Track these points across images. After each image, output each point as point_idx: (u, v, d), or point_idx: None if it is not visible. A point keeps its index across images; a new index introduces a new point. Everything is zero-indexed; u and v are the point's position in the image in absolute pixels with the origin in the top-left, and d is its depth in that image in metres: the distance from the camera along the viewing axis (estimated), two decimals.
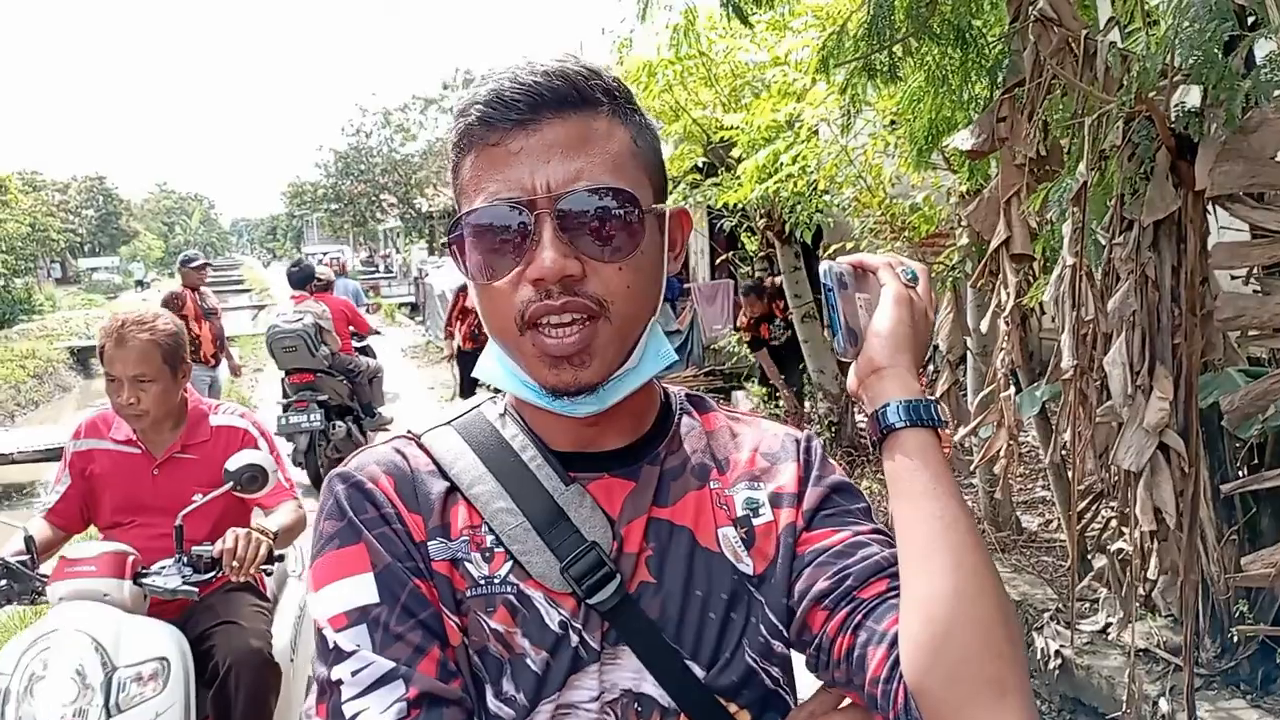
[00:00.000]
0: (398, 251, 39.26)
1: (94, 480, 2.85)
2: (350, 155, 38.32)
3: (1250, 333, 3.09)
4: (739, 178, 6.34)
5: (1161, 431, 2.92)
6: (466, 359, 8.35)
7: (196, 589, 2.53)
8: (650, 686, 0.92)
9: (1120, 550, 3.52)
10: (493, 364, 0.98)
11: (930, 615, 0.84)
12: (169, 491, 2.77)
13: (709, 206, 8.13)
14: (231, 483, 2.60)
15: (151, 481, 2.82)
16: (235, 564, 2.51)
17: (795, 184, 6.00)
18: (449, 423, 1.03)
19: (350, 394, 8.05)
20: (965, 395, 5.21)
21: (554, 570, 0.92)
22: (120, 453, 2.84)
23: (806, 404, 8.45)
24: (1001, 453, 3.90)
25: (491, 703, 0.91)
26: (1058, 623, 4.08)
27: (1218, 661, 3.49)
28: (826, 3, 6.15)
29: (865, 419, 0.98)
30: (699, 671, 0.93)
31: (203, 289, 8.12)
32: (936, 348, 4.71)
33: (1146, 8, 3.07)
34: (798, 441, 1.06)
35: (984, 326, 4.30)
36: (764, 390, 8.55)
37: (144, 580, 2.53)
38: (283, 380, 7.91)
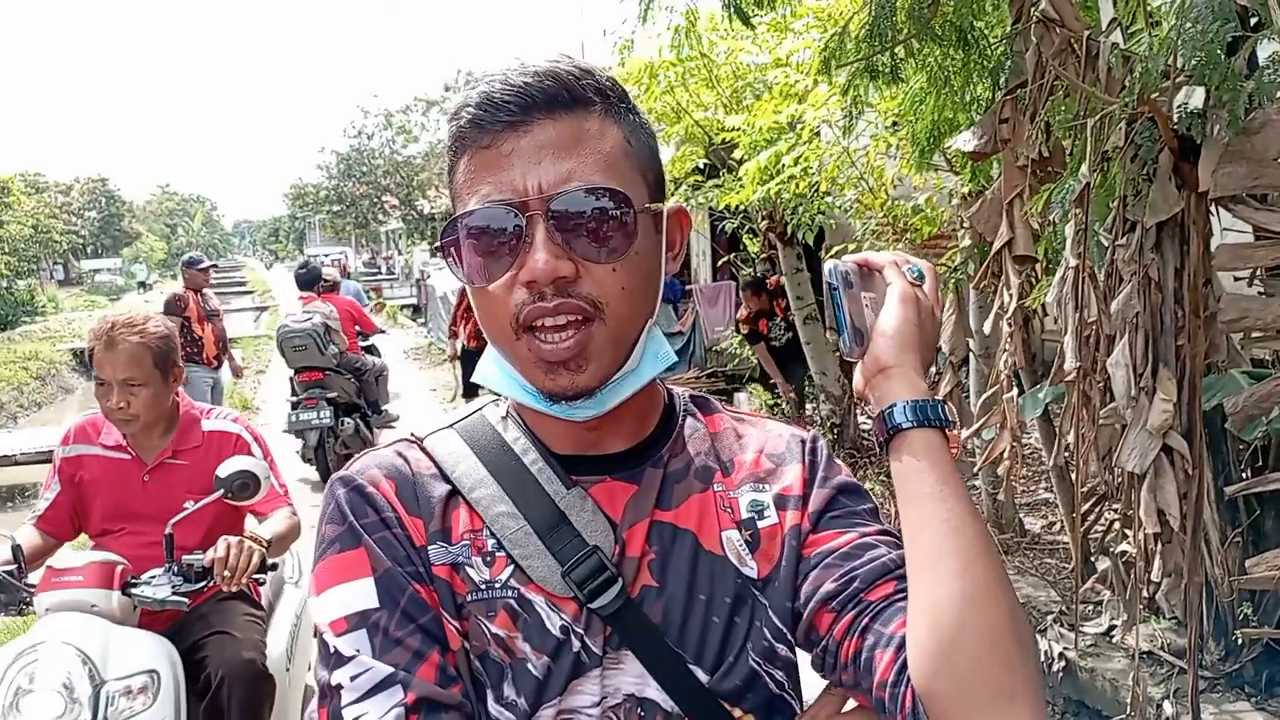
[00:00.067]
0: (400, 253, 39.29)
1: (83, 487, 2.79)
2: (352, 157, 38.39)
3: (1253, 334, 3.07)
4: (741, 179, 6.34)
5: (1165, 433, 2.91)
6: (470, 359, 8.39)
7: (186, 599, 2.48)
8: (653, 691, 0.92)
9: (1124, 552, 3.51)
10: (491, 368, 0.98)
11: (938, 620, 0.83)
12: (159, 498, 2.71)
13: (711, 208, 8.12)
14: (222, 490, 2.54)
15: (142, 488, 2.76)
16: (227, 573, 2.45)
17: (797, 185, 5.99)
18: (451, 425, 1.03)
19: (357, 392, 8.19)
20: (968, 397, 5.21)
21: (555, 574, 0.92)
22: (110, 458, 2.78)
23: (809, 406, 8.45)
24: (1004, 454, 3.89)
25: (492, 707, 0.90)
26: (1061, 625, 4.07)
27: (1222, 664, 3.48)
28: (828, 4, 6.15)
29: (870, 420, 0.97)
30: (702, 676, 0.92)
31: (205, 290, 8.11)
32: (939, 349, 4.70)
33: (1149, 9, 3.06)
34: (803, 442, 1.05)
35: (986, 328, 4.29)
36: (768, 394, 8.53)
37: (133, 590, 2.47)
38: (291, 379, 8.04)
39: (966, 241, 4.59)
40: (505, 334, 0.90)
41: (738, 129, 6.42)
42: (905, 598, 0.88)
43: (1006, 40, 3.46)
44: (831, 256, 1.04)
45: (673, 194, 7.70)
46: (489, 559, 0.93)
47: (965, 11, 3.51)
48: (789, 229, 6.99)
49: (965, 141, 3.44)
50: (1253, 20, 2.78)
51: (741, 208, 7.26)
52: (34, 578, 2.56)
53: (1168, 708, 3.40)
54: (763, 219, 7.82)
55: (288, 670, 2.88)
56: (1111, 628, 3.92)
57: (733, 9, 3.58)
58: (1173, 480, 2.94)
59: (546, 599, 0.92)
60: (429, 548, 0.93)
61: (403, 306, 26.13)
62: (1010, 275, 3.50)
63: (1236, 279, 3.26)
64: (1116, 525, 3.66)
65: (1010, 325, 3.72)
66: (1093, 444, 3.24)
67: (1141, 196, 2.91)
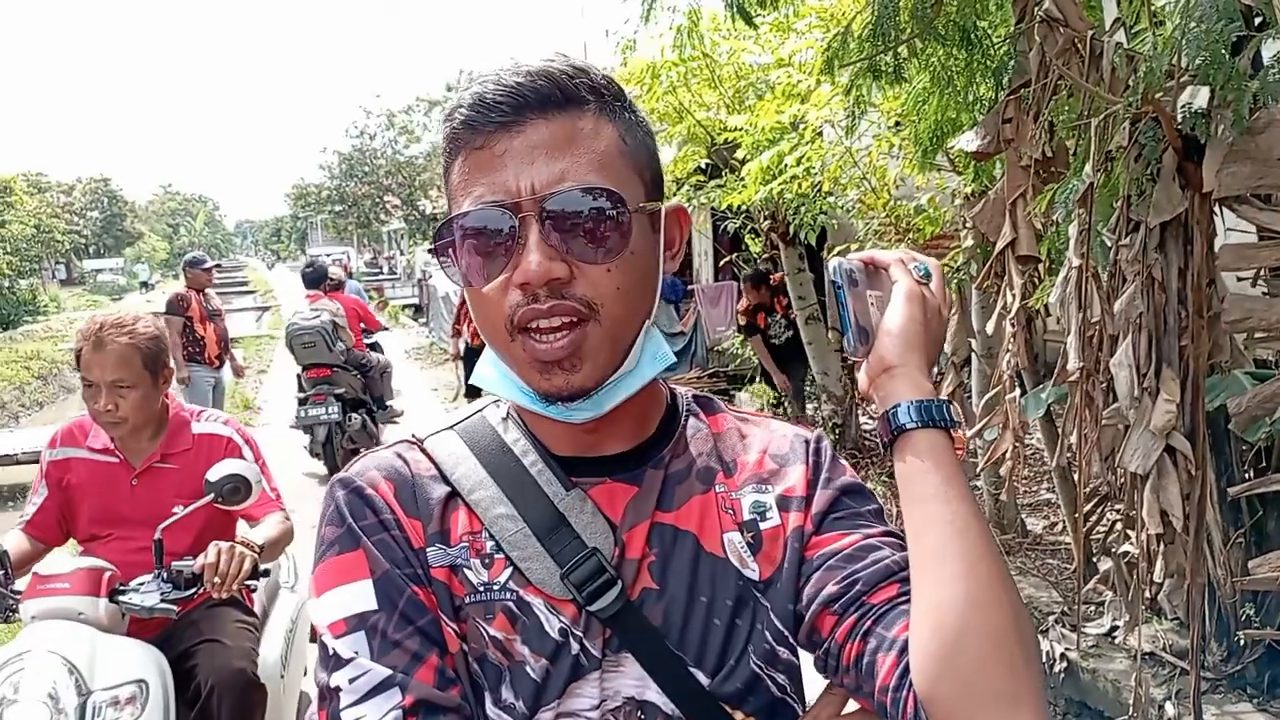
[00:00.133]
0: (401, 253, 39.30)
1: (71, 491, 2.72)
2: (354, 157, 38.41)
3: (1257, 335, 3.07)
4: (743, 179, 6.34)
5: (1168, 434, 2.90)
6: (473, 358, 8.41)
7: (175, 607, 2.41)
8: (654, 694, 0.91)
9: (1126, 553, 3.51)
10: (489, 369, 0.97)
11: (940, 623, 0.82)
12: (148, 503, 2.65)
13: (713, 208, 8.12)
14: (213, 494, 2.48)
15: (130, 492, 2.70)
16: (217, 580, 2.38)
17: (800, 185, 5.99)
18: (452, 426, 1.02)
19: (363, 388, 8.34)
20: (970, 397, 5.20)
21: (554, 577, 0.91)
22: (97, 462, 2.72)
23: (810, 406, 8.44)
24: (1007, 455, 3.88)
25: (491, 710, 0.90)
26: (1063, 626, 4.07)
27: (1224, 665, 3.48)
28: (830, 3, 6.15)
29: (873, 420, 0.96)
30: (703, 679, 0.92)
31: (207, 290, 8.11)
32: (941, 349, 4.69)
33: (1152, 8, 3.06)
34: (807, 442, 1.04)
35: (989, 328, 4.29)
36: (771, 395, 8.52)
37: (120, 598, 2.41)
38: (299, 375, 8.18)
39: (969, 241, 4.59)
40: (500, 335, 0.90)
41: (740, 129, 6.42)
42: (908, 600, 0.87)
43: (1010, 40, 3.45)
44: (836, 255, 1.02)
45: (675, 194, 7.71)
46: (488, 561, 0.93)
47: (968, 11, 3.51)
48: (791, 229, 6.98)
49: (968, 141, 3.44)
50: (1257, 20, 2.77)
51: (744, 208, 7.26)
52: (21, 584, 2.50)
53: (1170, 709, 3.40)
54: (765, 219, 7.82)
55: (282, 677, 2.81)
56: (1114, 628, 3.91)
57: (735, 8, 3.58)
58: (1175, 481, 2.94)
59: (545, 601, 0.92)
60: (427, 549, 0.93)
61: (404, 306, 26.14)
62: (1013, 275, 3.49)
63: (1240, 279, 3.26)
64: (1118, 526, 3.65)
65: (1013, 325, 3.72)
66: (1095, 444, 3.23)
67: (1145, 196, 2.91)
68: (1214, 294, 2.98)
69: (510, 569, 0.92)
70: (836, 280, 0.96)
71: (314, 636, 0.92)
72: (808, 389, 8.44)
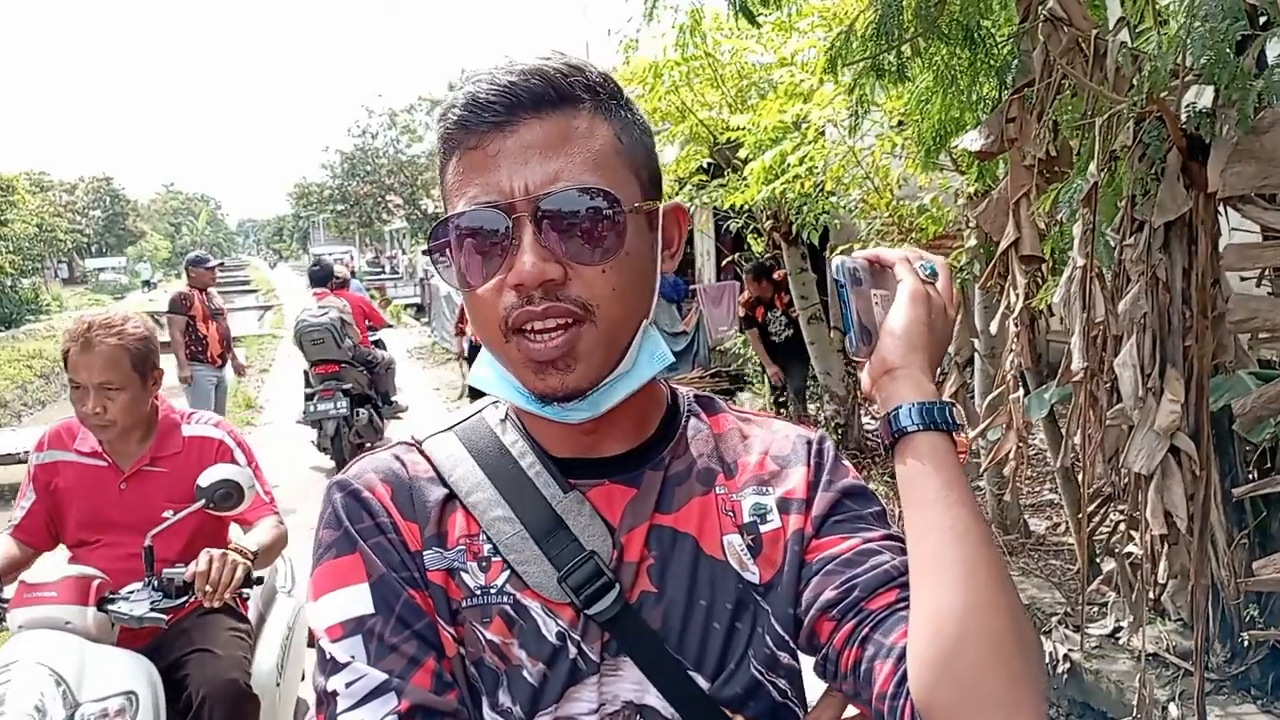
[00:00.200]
0: (404, 253, 39.29)
1: (59, 495, 2.66)
2: (356, 156, 38.38)
3: (1261, 335, 3.07)
4: (745, 179, 6.33)
5: (1172, 434, 2.89)
6: (478, 356, 8.45)
7: (165, 616, 2.35)
8: (653, 698, 0.90)
9: (1130, 554, 3.50)
10: (486, 370, 0.96)
11: (938, 631, 0.81)
12: (137, 507, 2.59)
13: (715, 208, 8.11)
14: (204, 499, 2.43)
15: (118, 496, 2.63)
16: (209, 588, 2.33)
17: (802, 185, 5.98)
18: (451, 428, 1.02)
19: (369, 383, 8.52)
20: (973, 397, 5.20)
21: (551, 580, 0.91)
22: (85, 465, 2.65)
23: (813, 406, 8.43)
24: (1010, 455, 3.88)
25: (488, 714, 0.90)
26: (1066, 627, 4.06)
27: (1228, 666, 3.47)
28: (833, 3, 6.14)
29: (876, 420, 0.95)
30: (703, 683, 0.91)
31: (210, 289, 8.12)
32: None
33: (1157, 7, 3.05)
34: (809, 443, 1.02)
35: (992, 328, 4.28)
36: (773, 397, 8.51)
37: (109, 607, 2.35)
38: (307, 371, 8.35)
39: (972, 241, 4.58)
40: (495, 336, 0.89)
41: (742, 128, 6.40)
42: (907, 606, 0.86)
43: (1013, 39, 3.44)
44: (840, 254, 1.00)
45: (677, 193, 7.70)
46: (485, 564, 0.92)
47: (972, 10, 3.50)
48: (793, 229, 6.98)
49: (972, 141, 3.43)
50: (1262, 19, 2.76)
51: (746, 207, 7.25)
52: (9, 591, 2.45)
53: (1173, 710, 3.39)
54: (767, 219, 7.82)
55: (278, 685, 2.75)
56: (1117, 629, 3.90)
57: (738, 7, 3.57)
58: (1180, 481, 2.93)
59: (543, 605, 0.91)
60: (424, 553, 0.92)
61: (406, 306, 26.13)
62: (1016, 275, 3.49)
63: (1244, 279, 3.25)
64: (1122, 527, 3.65)
65: (1016, 325, 3.71)
66: (1099, 445, 3.23)
67: (1149, 196, 2.90)
68: (1218, 294, 2.97)
69: (508, 572, 0.92)
70: (839, 279, 0.94)
71: (312, 641, 0.91)
72: (810, 389, 8.43)
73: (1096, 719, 3.75)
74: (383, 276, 35.22)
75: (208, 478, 2.45)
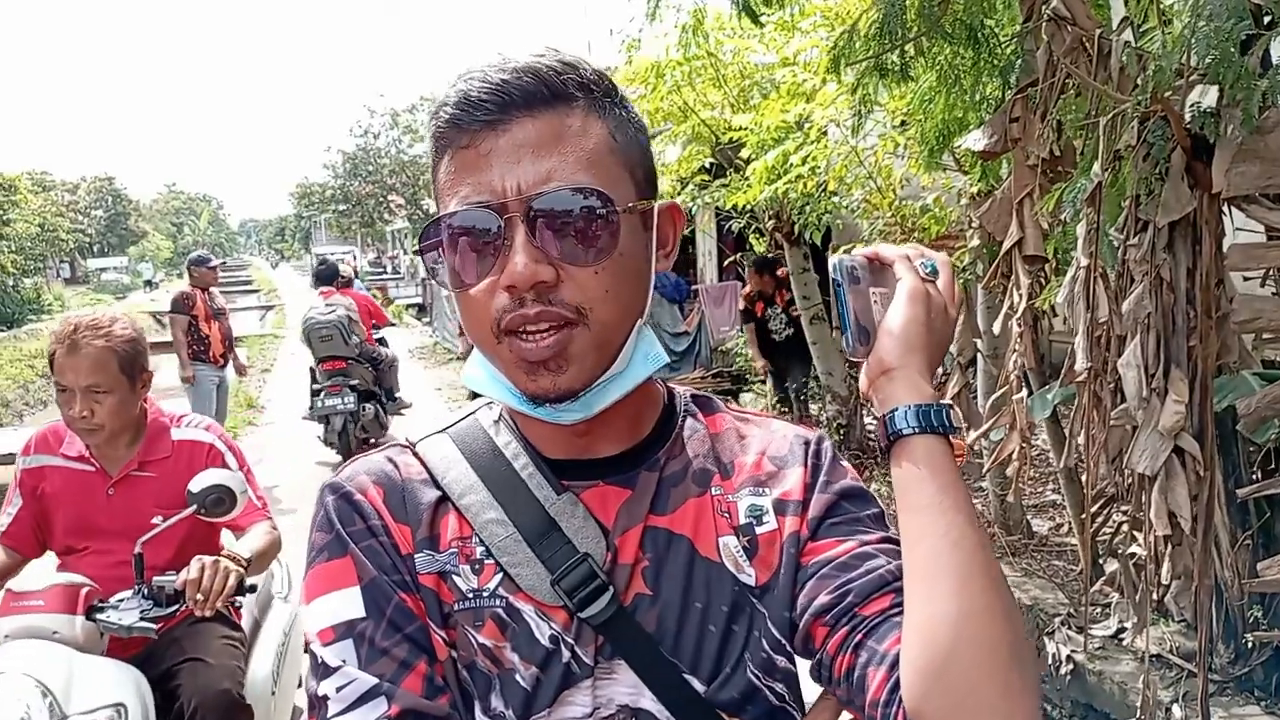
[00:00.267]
0: (405, 253, 39.30)
1: (46, 500, 2.59)
2: (358, 156, 38.41)
3: (1265, 335, 3.06)
4: (748, 179, 6.33)
5: (1176, 435, 2.89)
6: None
7: (155, 625, 2.28)
8: (648, 702, 0.89)
9: (1133, 555, 3.49)
10: (477, 370, 0.95)
11: (931, 639, 0.79)
12: (125, 513, 2.53)
13: (717, 208, 8.10)
14: (195, 505, 2.36)
15: (106, 502, 2.57)
16: (200, 596, 2.26)
17: (804, 185, 5.98)
18: (444, 430, 1.01)
19: (375, 380, 8.69)
20: (975, 398, 5.19)
21: (544, 583, 0.90)
22: (72, 470, 2.58)
23: (815, 407, 8.42)
24: (1013, 456, 3.87)
25: (480, 719, 0.89)
26: (1069, 627, 4.05)
27: (1231, 667, 3.46)
28: (836, 2, 6.14)
29: (876, 422, 0.94)
30: (699, 686, 0.90)
31: (211, 289, 8.12)
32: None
33: (1161, 7, 3.04)
34: (807, 443, 1.01)
35: (995, 328, 4.28)
36: (776, 396, 8.50)
37: (98, 616, 2.28)
38: (313, 368, 8.49)
39: (975, 241, 4.57)
40: (487, 338, 0.88)
41: (745, 128, 6.40)
42: (901, 612, 0.85)
43: (1017, 38, 3.44)
44: (840, 252, 0.98)
45: (679, 193, 7.69)
46: (477, 567, 0.91)
47: (976, 9, 3.49)
48: (796, 229, 6.97)
49: (975, 140, 3.42)
50: (1266, 19, 2.76)
51: (748, 207, 7.25)
52: None
53: (1177, 711, 3.38)
54: (769, 219, 7.81)
55: (273, 694, 2.70)
56: (1120, 630, 3.90)
57: (741, 6, 3.57)
58: (1184, 482, 2.92)
59: (536, 608, 0.90)
60: (415, 555, 0.91)
61: (408, 306, 26.15)
62: (1020, 275, 3.48)
63: (1247, 279, 3.25)
64: (1125, 527, 3.64)
65: (1020, 326, 3.70)
66: (1103, 445, 3.22)
67: (1154, 196, 2.89)
68: (1223, 294, 2.96)
69: (500, 575, 0.91)
70: (836, 278, 0.93)
71: (308, 646, 0.91)
72: (812, 389, 8.42)
73: None
74: (384, 277, 35.23)
75: (199, 483, 2.39)
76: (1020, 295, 3.57)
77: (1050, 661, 3.94)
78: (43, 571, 2.55)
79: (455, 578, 0.91)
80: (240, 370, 8.79)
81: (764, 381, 8.35)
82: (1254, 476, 3.37)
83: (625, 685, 0.90)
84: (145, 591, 2.32)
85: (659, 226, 0.94)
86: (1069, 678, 3.86)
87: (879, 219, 6.10)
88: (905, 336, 0.90)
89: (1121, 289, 3.06)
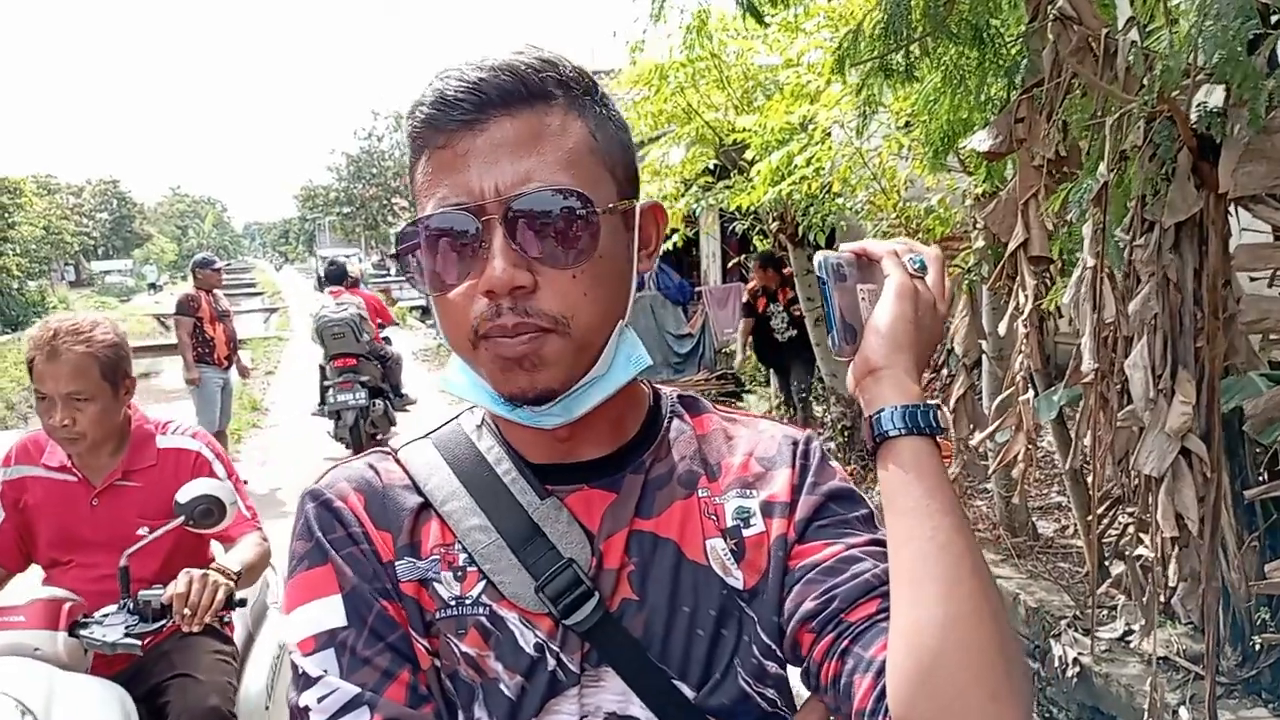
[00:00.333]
0: None
1: (28, 512, 2.49)
2: (362, 159, 38.53)
3: (1272, 336, 3.05)
4: (752, 180, 6.32)
5: (1183, 436, 2.88)
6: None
7: (139, 642, 2.19)
8: (636, 709, 0.88)
9: (1140, 556, 3.48)
10: (457, 374, 0.93)
11: (917, 645, 0.77)
12: (110, 524, 2.45)
13: (721, 209, 8.10)
14: (183, 517, 2.27)
15: (90, 513, 2.47)
16: (187, 611, 2.17)
17: (809, 186, 5.97)
18: (427, 435, 1.00)
19: (382, 376, 8.88)
20: (980, 399, 5.18)
21: (528, 590, 0.88)
22: (54, 481, 2.48)
23: (819, 408, 8.41)
24: (1019, 457, 3.86)
25: None
26: (1075, 630, 4.04)
27: (1239, 670, 3.45)
28: (840, 3, 6.13)
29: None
30: (688, 692, 0.88)
31: (216, 291, 8.13)
32: (951, 351, 4.67)
33: (1167, 6, 3.03)
34: (795, 444, 0.99)
35: (1001, 329, 4.27)
36: (779, 400, 8.49)
37: (81, 632, 2.20)
38: (324, 366, 8.69)
39: (980, 242, 4.56)
40: (464, 343, 0.87)
41: (749, 129, 6.40)
42: (888, 617, 0.83)
43: (1023, 38, 3.43)
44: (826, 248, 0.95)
45: (683, 195, 7.69)
46: (460, 574, 0.90)
47: (981, 9, 3.49)
48: (800, 230, 6.96)
49: (980, 141, 3.42)
50: (1274, 18, 2.75)
51: (752, 209, 7.24)
52: None
53: (1184, 714, 3.37)
54: (773, 220, 7.80)
55: (267, 709, 2.61)
56: (1127, 633, 3.88)
57: (746, 6, 3.57)
58: (1191, 484, 2.91)
59: (520, 615, 0.88)
60: (397, 563, 0.90)
61: (412, 308, 26.15)
62: (1025, 276, 3.47)
63: (1254, 280, 3.24)
64: (1131, 529, 3.63)
65: (1025, 327, 3.69)
66: (1109, 447, 3.21)
67: (1160, 196, 2.88)
68: (1229, 295, 2.95)
69: (483, 582, 0.89)
70: (822, 275, 0.90)
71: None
72: (816, 390, 8.41)
73: None
74: (388, 279, 35.26)
75: (186, 493, 2.30)
76: (1026, 296, 3.56)
77: (1057, 664, 3.93)
78: (26, 586, 2.50)
79: (437, 585, 0.89)
80: (244, 372, 8.80)
81: (766, 383, 8.32)
82: (1261, 478, 3.36)
83: (613, 693, 0.88)
84: (131, 606, 2.24)
85: (641, 226, 0.92)
86: (1075, 680, 3.85)
87: (883, 220, 6.10)
88: (892, 335, 0.87)
89: (1128, 290, 3.05)
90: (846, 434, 7.55)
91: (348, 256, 30.81)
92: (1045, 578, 4.72)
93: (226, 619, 2.46)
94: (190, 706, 2.31)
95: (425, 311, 24.53)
